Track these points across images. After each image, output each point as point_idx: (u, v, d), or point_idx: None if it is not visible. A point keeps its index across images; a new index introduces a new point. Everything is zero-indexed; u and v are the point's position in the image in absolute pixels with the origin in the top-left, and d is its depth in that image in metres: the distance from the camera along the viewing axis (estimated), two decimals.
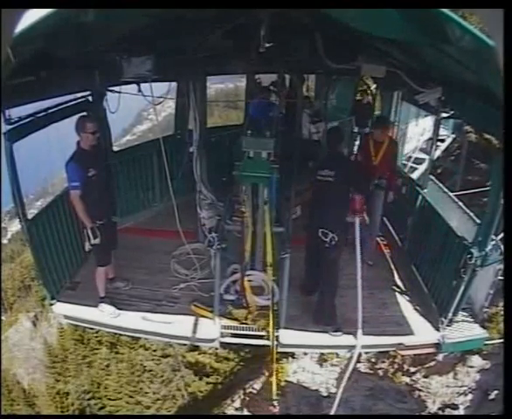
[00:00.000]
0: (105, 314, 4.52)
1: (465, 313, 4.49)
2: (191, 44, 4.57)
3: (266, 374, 11.12)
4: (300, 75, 7.04)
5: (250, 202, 4.41)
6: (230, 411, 12.46)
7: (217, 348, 11.71)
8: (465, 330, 4.40)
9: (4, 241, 32.33)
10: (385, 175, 5.25)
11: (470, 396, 7.55)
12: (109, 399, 17.01)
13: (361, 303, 4.00)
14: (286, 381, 10.24)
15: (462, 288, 4.01)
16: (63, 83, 4.15)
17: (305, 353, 10.41)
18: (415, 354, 6.59)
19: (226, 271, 4.61)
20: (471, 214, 5.03)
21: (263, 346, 4.56)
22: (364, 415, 8.89)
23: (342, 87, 8.19)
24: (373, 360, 9.49)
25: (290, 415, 9.87)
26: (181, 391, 16.01)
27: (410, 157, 10.16)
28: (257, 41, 3.73)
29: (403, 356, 8.41)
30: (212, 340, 4.47)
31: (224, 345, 4.73)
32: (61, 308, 4.62)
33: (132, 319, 4.51)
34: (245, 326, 4.39)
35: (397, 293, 5.06)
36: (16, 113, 3.76)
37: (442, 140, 11.32)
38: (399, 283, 5.24)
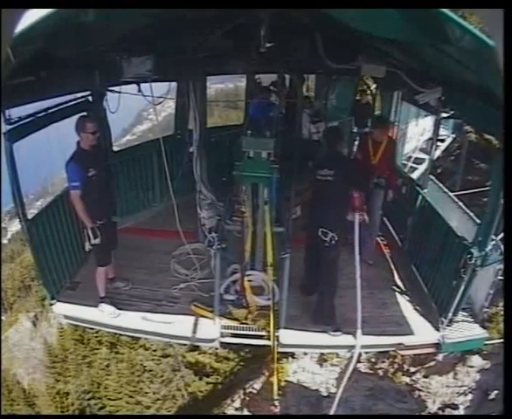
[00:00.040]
0: (105, 314, 4.52)
1: (465, 313, 4.49)
2: (191, 44, 4.57)
3: (266, 374, 11.12)
4: (300, 75, 7.04)
5: (250, 202, 4.41)
6: (230, 411, 12.46)
7: (217, 348, 11.71)
8: (465, 330, 4.40)
9: (4, 241, 32.32)
10: (384, 174, 5.28)
11: (470, 396, 7.54)
12: (109, 399, 17.01)
13: (360, 303, 4.00)
14: (286, 380, 10.24)
15: (462, 288, 4.01)
16: (63, 83, 4.15)
17: (305, 353, 10.41)
18: (415, 354, 6.58)
19: (226, 271, 4.61)
20: (471, 214, 5.03)
21: (263, 346, 4.56)
22: (364, 415, 8.89)
23: (342, 87, 8.19)
24: (373, 360, 9.49)
25: (290, 415, 9.87)
26: (181, 391, 16.01)
27: (410, 157, 10.15)
28: (257, 41, 3.73)
29: (403, 356, 8.41)
30: (212, 340, 4.47)
31: (224, 345, 4.73)
32: (61, 308, 4.62)
33: (132, 319, 4.51)
34: (245, 326, 4.39)
35: (397, 293, 5.06)
36: (16, 113, 3.76)
37: (442, 140, 11.31)
38: (399, 283, 5.24)
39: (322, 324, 4.38)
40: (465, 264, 3.88)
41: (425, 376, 8.46)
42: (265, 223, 4.35)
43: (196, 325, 4.43)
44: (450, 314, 4.23)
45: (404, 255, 5.57)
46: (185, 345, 14.21)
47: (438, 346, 4.39)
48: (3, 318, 22.53)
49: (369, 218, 5.53)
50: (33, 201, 34.28)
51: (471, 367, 7.72)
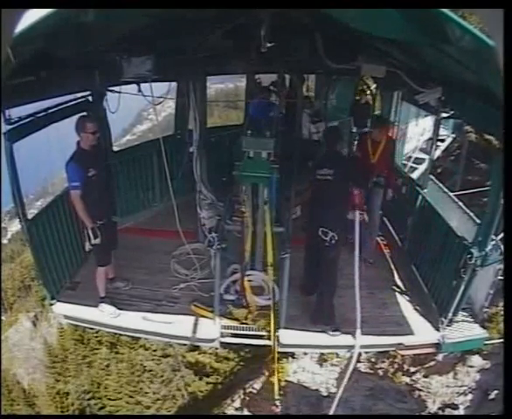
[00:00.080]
0: (105, 314, 4.52)
1: (465, 313, 4.49)
2: (191, 44, 4.57)
3: (266, 374, 11.13)
4: (300, 75, 7.04)
5: (250, 202, 4.41)
6: (230, 411, 12.46)
7: (217, 348, 11.71)
8: (465, 330, 4.40)
9: (4, 241, 32.33)
10: (384, 174, 5.31)
11: (470, 396, 7.55)
12: (109, 399, 17.02)
13: (359, 302, 4.00)
14: (286, 380, 10.24)
15: (462, 288, 4.01)
16: (63, 83, 4.15)
17: (305, 353, 10.41)
18: (415, 354, 6.58)
19: (226, 271, 4.61)
20: (471, 214, 5.03)
21: (263, 346, 4.56)
22: (364, 415, 8.89)
23: (342, 87, 8.19)
24: (373, 360, 9.49)
25: (290, 415, 9.87)
26: (181, 391, 16.01)
27: (410, 157, 10.15)
28: (257, 41, 3.72)
29: (403, 356, 8.41)
30: (212, 340, 4.47)
31: (224, 345, 4.73)
32: (61, 308, 4.62)
33: (132, 319, 4.51)
34: (245, 326, 4.39)
35: (397, 293, 5.06)
36: (16, 113, 3.76)
37: (442, 140, 11.31)
38: (399, 283, 5.24)
39: (321, 324, 4.38)
40: (465, 264, 3.88)
41: (425, 376, 8.46)
42: (265, 223, 4.35)
43: (196, 325, 4.43)
44: (450, 314, 4.23)
45: (404, 255, 5.57)
46: (185, 345, 14.21)
47: (438, 346, 4.39)
48: (3, 318, 22.54)
49: (368, 218, 5.55)
50: (33, 201, 34.28)
51: (471, 367, 7.73)
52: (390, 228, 6.23)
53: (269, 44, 3.77)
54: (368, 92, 7.79)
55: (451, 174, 11.57)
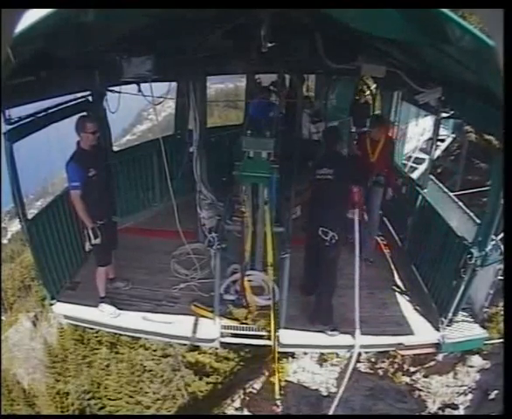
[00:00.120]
0: (105, 314, 4.52)
1: (465, 313, 4.49)
2: (191, 44, 4.57)
3: (266, 374, 11.13)
4: (300, 75, 7.04)
5: (250, 202, 4.41)
6: (230, 411, 12.46)
7: (217, 348, 11.70)
8: (465, 330, 4.40)
9: (4, 241, 32.34)
10: (383, 173, 5.33)
11: (470, 396, 7.54)
12: (109, 399, 17.02)
13: (359, 302, 4.00)
14: (286, 380, 10.24)
15: (462, 288, 4.01)
16: (63, 83, 4.15)
17: (305, 353, 10.41)
18: (415, 354, 6.58)
19: (226, 271, 4.61)
20: (471, 214, 5.03)
21: (263, 346, 4.56)
22: (364, 415, 8.89)
23: (342, 87, 8.19)
24: (373, 360, 9.49)
25: (290, 415, 9.87)
26: (181, 391, 16.02)
27: (410, 157, 10.15)
28: (257, 41, 3.72)
29: (403, 356, 8.41)
30: (212, 340, 4.47)
31: (224, 345, 4.73)
32: (61, 308, 4.62)
33: (132, 319, 4.51)
34: (245, 326, 4.39)
35: (397, 293, 5.06)
36: (16, 113, 3.76)
37: (442, 140, 11.31)
38: (399, 283, 5.24)
39: (320, 323, 4.38)
40: (465, 264, 3.88)
41: (425, 376, 8.46)
42: (265, 223, 4.35)
43: (196, 325, 4.43)
44: (450, 314, 4.23)
45: (404, 255, 5.57)
46: (185, 345, 14.21)
47: (438, 346, 4.39)
48: (3, 318, 22.54)
49: (368, 217, 5.58)
50: (33, 201, 34.29)
51: (471, 367, 7.72)
52: (390, 228, 6.23)
53: (269, 44, 3.76)
54: (368, 91, 7.79)
55: (451, 174, 11.57)
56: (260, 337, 4.38)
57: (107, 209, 4.47)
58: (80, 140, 4.16)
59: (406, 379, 8.76)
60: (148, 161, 6.39)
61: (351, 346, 4.22)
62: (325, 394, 9.86)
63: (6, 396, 16.82)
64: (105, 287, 4.60)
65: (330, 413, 4.78)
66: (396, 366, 9.07)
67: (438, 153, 10.72)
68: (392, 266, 5.56)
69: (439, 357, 8.02)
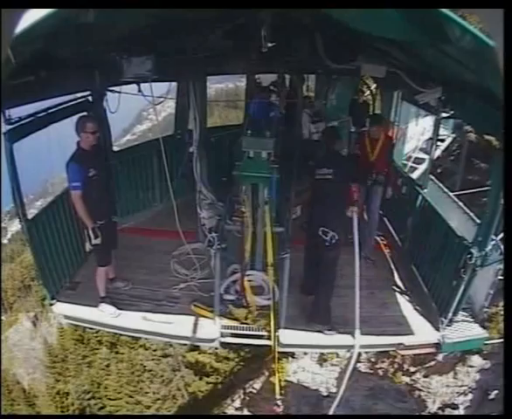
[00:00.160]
0: (105, 314, 4.52)
1: (465, 313, 4.49)
2: (191, 44, 4.57)
3: (266, 374, 11.13)
4: (300, 75, 7.04)
5: (250, 202, 4.41)
6: (230, 411, 12.46)
7: (217, 348, 11.71)
8: (465, 330, 4.40)
9: (4, 241, 32.39)
10: (383, 172, 5.35)
11: (470, 396, 7.54)
12: (109, 399, 17.03)
13: (359, 302, 4.00)
14: (286, 380, 10.24)
15: (462, 288, 4.01)
16: (63, 83, 4.15)
17: (305, 353, 10.41)
18: (415, 354, 6.58)
19: (226, 271, 4.61)
20: (471, 214, 5.03)
21: (263, 346, 4.56)
22: (364, 415, 8.88)
23: (342, 87, 8.18)
24: (373, 359, 9.49)
25: (290, 415, 9.86)
26: (181, 391, 16.02)
27: (410, 157, 10.16)
28: (258, 41, 3.72)
29: (403, 356, 8.41)
30: (212, 340, 4.47)
31: (224, 345, 4.73)
32: (61, 308, 4.62)
33: (132, 319, 4.51)
34: (245, 325, 4.39)
35: (397, 293, 5.06)
36: (16, 113, 3.76)
37: (442, 140, 11.31)
38: (399, 283, 5.24)
39: (317, 323, 4.38)
40: (465, 264, 3.88)
41: (425, 376, 8.46)
42: (265, 223, 4.35)
43: (196, 325, 4.43)
44: (450, 314, 4.24)
45: (404, 255, 5.57)
46: (185, 345, 14.21)
47: (438, 346, 4.39)
48: (3, 318, 22.54)
49: (368, 217, 5.59)
50: (33, 201, 34.34)
51: (471, 367, 7.72)
52: (390, 228, 6.23)
53: (269, 45, 3.76)
54: (367, 91, 7.79)
55: (451, 174, 11.56)
56: (260, 337, 4.38)
57: (108, 209, 4.47)
58: (80, 141, 4.15)
59: (406, 379, 8.76)
60: (148, 161, 6.39)
61: (351, 346, 4.22)
62: (325, 394, 9.86)
63: (6, 396, 16.84)
64: (105, 287, 4.60)
65: (331, 413, 4.78)
66: (396, 366, 9.07)
67: (438, 153, 10.71)
68: (392, 266, 5.56)
69: (439, 357, 8.02)
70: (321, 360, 10.47)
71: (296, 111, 6.65)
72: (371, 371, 9.39)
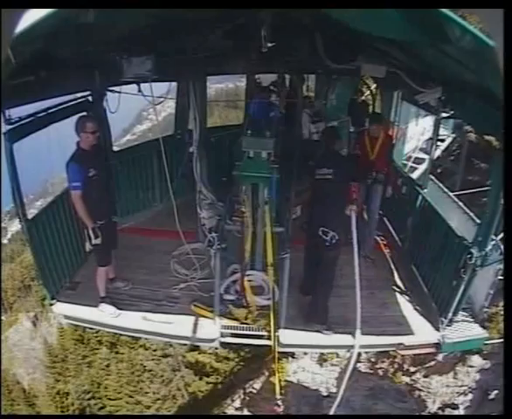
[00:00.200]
0: (105, 314, 4.52)
1: (465, 313, 4.49)
2: (191, 44, 4.57)
3: (266, 374, 11.13)
4: (300, 75, 7.04)
5: (250, 202, 4.41)
6: (230, 411, 12.47)
7: (217, 348, 11.71)
8: (465, 330, 4.41)
9: (4, 241, 32.39)
10: (383, 170, 5.37)
11: (470, 396, 7.54)
12: (109, 399, 17.04)
13: (360, 302, 3.99)
14: (286, 380, 10.24)
15: (462, 288, 4.01)
16: (63, 83, 4.15)
17: (305, 353, 10.41)
18: (415, 354, 6.58)
19: (226, 271, 4.61)
20: (471, 214, 5.03)
21: (263, 346, 4.56)
22: (364, 415, 8.88)
23: (342, 87, 8.18)
24: (373, 359, 9.49)
25: (290, 415, 9.87)
26: (181, 391, 16.02)
27: (410, 157, 10.16)
28: (257, 41, 3.72)
29: (403, 356, 8.41)
30: (212, 340, 4.47)
31: (224, 345, 4.73)
32: (61, 308, 4.62)
33: (132, 319, 4.51)
34: (245, 325, 4.39)
35: (397, 293, 5.06)
36: (16, 113, 3.76)
37: (442, 140, 11.31)
38: (399, 283, 5.24)
39: (315, 323, 4.38)
40: (465, 264, 3.88)
41: (425, 376, 8.46)
42: (265, 223, 4.35)
43: (196, 325, 4.43)
44: (450, 314, 4.24)
45: (404, 255, 5.57)
46: (185, 345, 14.21)
47: (438, 346, 4.39)
48: (3, 318, 22.54)
49: (368, 216, 5.60)
50: (33, 201, 34.33)
51: (471, 367, 7.72)
52: (390, 228, 6.23)
53: (269, 45, 3.76)
54: (367, 91, 7.79)
55: (451, 174, 11.56)
56: (260, 337, 4.38)
57: (108, 209, 4.47)
58: (80, 141, 4.15)
59: (406, 379, 8.76)
60: (148, 161, 6.39)
61: (351, 346, 4.22)
62: (325, 394, 9.86)
63: (6, 396, 16.84)
64: (105, 287, 4.60)
65: (331, 413, 4.78)
66: (396, 366, 9.07)
67: (438, 153, 10.71)
68: (392, 266, 5.56)
69: (439, 357, 8.02)
70: (321, 360, 10.47)
71: (296, 111, 6.65)
72: (371, 371, 9.39)
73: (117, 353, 17.74)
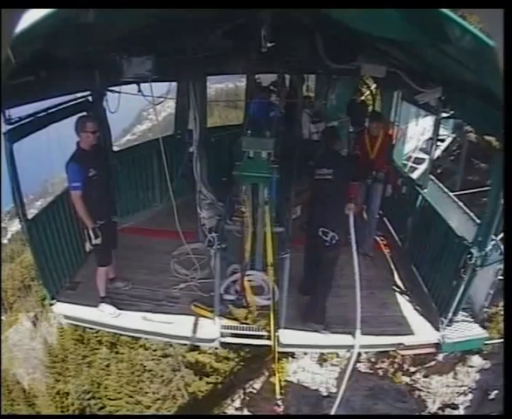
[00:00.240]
0: (105, 314, 4.52)
1: (465, 313, 4.49)
2: (191, 44, 4.57)
3: (266, 374, 11.13)
4: (300, 75, 7.04)
5: (250, 202, 4.41)
6: (230, 411, 12.47)
7: (217, 348, 11.71)
8: (465, 330, 4.41)
9: (4, 241, 32.39)
10: (383, 169, 5.38)
11: (470, 396, 7.54)
12: (109, 399, 17.04)
13: (360, 302, 3.99)
14: (286, 380, 10.24)
15: (462, 288, 4.01)
16: (63, 83, 4.15)
17: (305, 353, 10.41)
18: (415, 354, 6.58)
19: (226, 271, 4.61)
20: (471, 214, 5.03)
21: (263, 346, 4.56)
22: (364, 415, 8.89)
23: (342, 87, 8.19)
24: (373, 359, 9.49)
25: (290, 415, 9.87)
26: (181, 391, 16.02)
27: (410, 157, 10.16)
28: (257, 41, 3.72)
29: (403, 356, 8.41)
30: (212, 340, 4.47)
31: (224, 345, 4.73)
32: (61, 308, 4.62)
33: (132, 319, 4.51)
34: (245, 325, 4.39)
35: (397, 293, 5.06)
36: (16, 113, 3.76)
37: (442, 140, 11.31)
38: (399, 283, 5.24)
39: (311, 322, 4.38)
40: (465, 264, 3.88)
41: (425, 376, 8.46)
42: (265, 223, 4.35)
43: (196, 325, 4.43)
44: (450, 314, 4.24)
45: (404, 255, 5.57)
46: (185, 345, 14.21)
47: (438, 346, 4.39)
48: (3, 318, 22.55)
49: (368, 215, 5.60)
50: (33, 201, 34.34)
51: (471, 367, 7.72)
52: (390, 228, 6.23)
53: (269, 44, 3.76)
54: (367, 91, 7.79)
55: (451, 174, 11.56)
56: (260, 337, 4.38)
57: (108, 209, 4.47)
58: (80, 141, 4.15)
59: (406, 379, 8.76)
60: (148, 161, 6.39)
61: (351, 346, 4.22)
62: (325, 394, 9.86)
63: (6, 396, 16.85)
64: (105, 287, 4.60)
65: (331, 413, 4.78)
66: (396, 366, 9.07)
67: (438, 153, 10.71)
68: (392, 266, 5.56)
69: (439, 357, 8.02)
70: (321, 360, 10.47)
71: (296, 111, 6.65)
72: (371, 371, 9.39)
73: (117, 353, 17.74)
